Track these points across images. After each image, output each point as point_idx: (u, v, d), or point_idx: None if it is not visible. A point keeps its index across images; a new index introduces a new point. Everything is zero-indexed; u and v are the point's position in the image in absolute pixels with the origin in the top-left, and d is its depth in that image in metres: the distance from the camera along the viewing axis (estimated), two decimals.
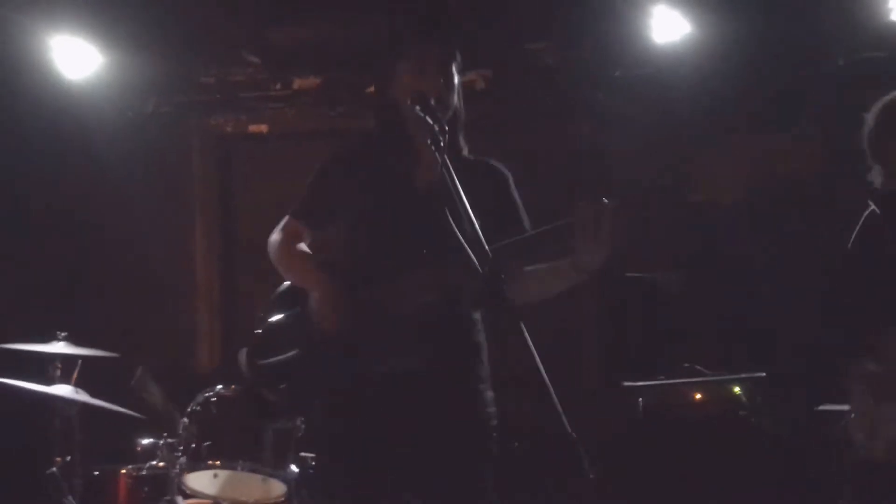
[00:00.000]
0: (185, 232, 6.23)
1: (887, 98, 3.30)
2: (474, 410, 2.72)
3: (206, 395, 4.38)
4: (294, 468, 4.26)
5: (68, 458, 4.61)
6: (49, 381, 4.52)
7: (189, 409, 4.36)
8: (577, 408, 2.24)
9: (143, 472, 4.47)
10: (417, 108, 2.61)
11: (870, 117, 3.31)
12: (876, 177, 3.28)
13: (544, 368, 2.11)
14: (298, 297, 2.77)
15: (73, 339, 4.61)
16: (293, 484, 4.23)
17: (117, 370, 4.74)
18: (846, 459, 3.42)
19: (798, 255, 5.13)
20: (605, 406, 5.10)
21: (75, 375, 4.58)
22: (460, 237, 2.40)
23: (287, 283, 2.88)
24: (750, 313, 5.30)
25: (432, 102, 2.62)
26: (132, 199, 5.90)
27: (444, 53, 2.76)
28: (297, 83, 6.09)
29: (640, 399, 4.91)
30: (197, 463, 4.28)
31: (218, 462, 4.29)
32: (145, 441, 4.54)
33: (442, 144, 2.49)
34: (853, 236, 3.24)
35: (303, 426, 4.29)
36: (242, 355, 2.85)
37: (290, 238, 2.85)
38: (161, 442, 4.43)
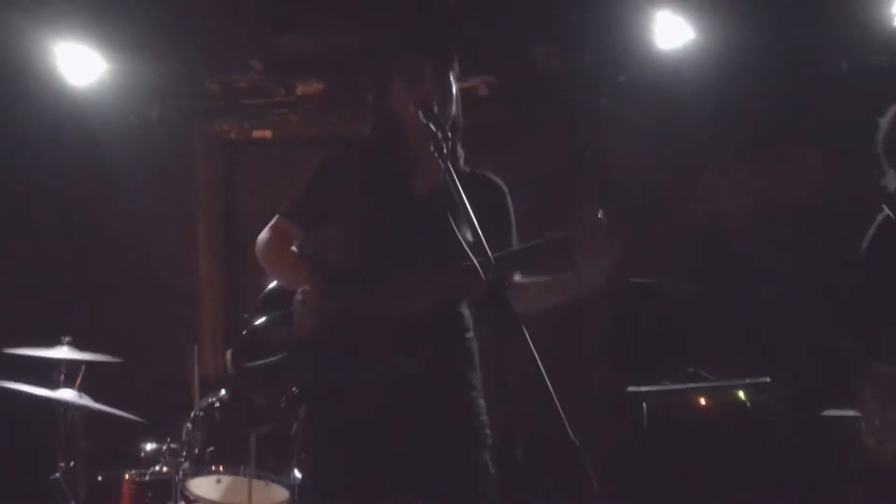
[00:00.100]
0: (188, 237, 6.24)
1: None
2: (470, 415, 2.72)
3: (210, 400, 4.38)
4: (297, 473, 4.26)
5: (72, 464, 4.62)
6: (53, 386, 4.53)
7: (192, 415, 4.36)
8: (582, 414, 2.23)
9: (147, 478, 4.48)
10: (421, 114, 2.60)
11: (884, 122, 3.30)
12: (890, 181, 3.26)
13: (547, 374, 2.11)
14: (285, 298, 2.73)
15: (77, 344, 4.61)
16: (296, 489, 4.22)
17: (121, 375, 4.74)
18: (857, 464, 3.40)
19: (802, 260, 5.12)
20: (610, 412, 5.10)
21: (79, 380, 4.59)
22: (463, 243, 2.41)
23: (274, 283, 2.86)
24: (754, 318, 5.29)
25: (435, 110, 2.62)
26: (136, 204, 5.90)
27: (440, 64, 2.74)
28: (300, 89, 6.09)
29: (645, 404, 4.90)
30: (200, 468, 4.29)
31: (221, 467, 4.29)
32: (149, 446, 4.55)
33: (445, 151, 2.49)
34: (867, 240, 3.23)
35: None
36: (228, 358, 2.84)
37: (278, 237, 2.84)
38: (164, 447, 4.44)
